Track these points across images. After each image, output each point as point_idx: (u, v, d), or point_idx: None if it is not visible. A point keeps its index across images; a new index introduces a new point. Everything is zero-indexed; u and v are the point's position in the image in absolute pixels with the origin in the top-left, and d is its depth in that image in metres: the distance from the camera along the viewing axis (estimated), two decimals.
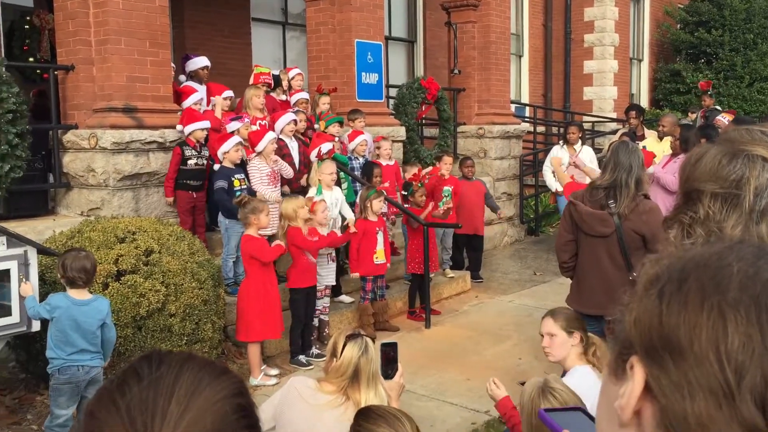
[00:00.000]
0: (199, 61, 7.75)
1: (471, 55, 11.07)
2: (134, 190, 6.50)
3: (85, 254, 4.23)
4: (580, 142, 9.27)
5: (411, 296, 7.37)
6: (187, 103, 6.88)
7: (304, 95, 8.08)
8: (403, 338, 6.56)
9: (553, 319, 3.53)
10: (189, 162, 6.49)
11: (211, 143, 6.69)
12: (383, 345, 2.89)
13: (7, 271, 4.32)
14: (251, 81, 7.65)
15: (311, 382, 3.00)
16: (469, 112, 11.15)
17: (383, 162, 7.96)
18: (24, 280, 4.34)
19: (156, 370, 0.85)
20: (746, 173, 1.33)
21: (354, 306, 6.95)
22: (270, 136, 6.58)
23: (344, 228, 6.60)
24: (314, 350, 6.11)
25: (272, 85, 7.86)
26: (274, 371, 5.72)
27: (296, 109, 7.68)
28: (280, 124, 7.08)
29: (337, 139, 7.47)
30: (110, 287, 4.90)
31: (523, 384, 3.62)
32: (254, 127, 6.82)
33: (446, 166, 8.29)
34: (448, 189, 8.15)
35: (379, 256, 6.64)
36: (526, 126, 12.76)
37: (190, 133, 6.54)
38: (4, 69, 5.89)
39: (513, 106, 12.44)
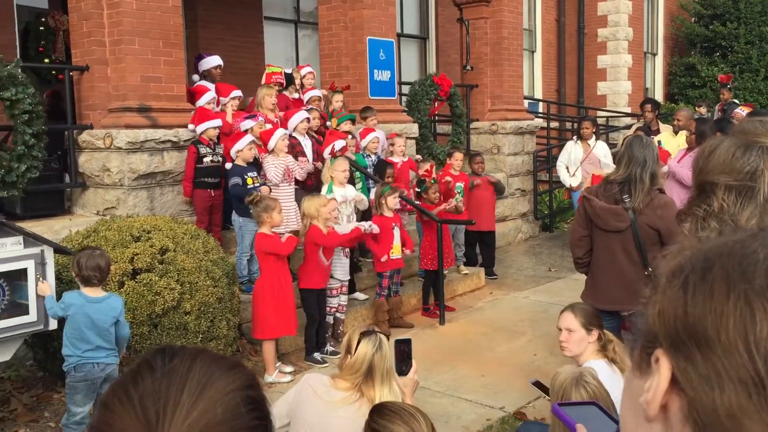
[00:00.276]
0: (212, 60, 7.78)
1: (483, 51, 11.04)
2: (149, 189, 6.54)
3: (100, 252, 4.26)
4: (594, 137, 9.22)
5: (425, 293, 7.37)
6: (201, 102, 6.91)
7: (317, 93, 8.09)
8: (418, 335, 6.56)
9: (573, 314, 3.52)
10: (205, 159, 6.52)
11: (224, 142, 6.72)
12: (397, 342, 2.89)
13: (24, 271, 4.36)
14: (263, 81, 7.67)
15: (326, 379, 3.01)
16: (481, 109, 11.12)
17: (396, 159, 7.96)
18: (41, 279, 4.38)
19: (169, 362, 0.86)
20: (760, 165, 1.32)
21: (368, 303, 6.96)
22: (280, 132, 6.59)
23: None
24: (329, 347, 6.13)
25: (284, 84, 7.88)
26: (289, 368, 5.74)
27: (310, 107, 7.69)
28: (293, 121, 7.10)
29: (350, 136, 7.48)
30: (126, 286, 4.94)
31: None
32: (267, 126, 6.84)
33: (457, 162, 8.28)
34: (459, 185, 8.14)
35: (396, 251, 6.65)
36: (540, 122, 12.71)
37: (202, 132, 6.57)
38: (19, 70, 5.94)
39: (526, 102, 12.39)
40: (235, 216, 6.45)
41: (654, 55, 18.25)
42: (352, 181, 7.05)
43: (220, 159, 6.63)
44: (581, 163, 9.10)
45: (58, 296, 4.39)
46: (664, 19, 18.14)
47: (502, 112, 11.03)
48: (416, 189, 7.80)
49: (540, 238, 11.23)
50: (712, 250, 0.68)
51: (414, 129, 9.29)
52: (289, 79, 8.11)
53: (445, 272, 7.40)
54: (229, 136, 6.73)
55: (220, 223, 6.82)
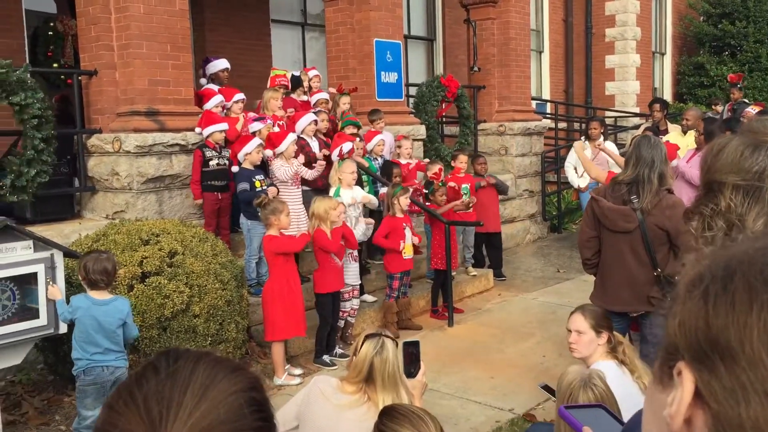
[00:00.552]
0: (219, 64, 7.80)
1: (490, 52, 11.02)
2: (157, 192, 6.57)
3: (106, 256, 4.28)
4: (602, 137, 9.19)
5: (434, 294, 7.36)
6: (208, 105, 6.93)
7: (324, 95, 8.11)
8: (426, 337, 6.56)
9: (583, 316, 3.50)
10: (211, 163, 6.54)
11: (231, 145, 6.73)
12: (406, 344, 2.88)
13: (34, 275, 4.38)
14: (268, 84, 7.70)
15: (334, 382, 3.01)
16: (489, 110, 11.10)
17: (403, 162, 7.96)
18: (51, 283, 4.40)
19: (173, 364, 0.87)
20: None
21: (377, 305, 6.96)
22: (292, 137, 6.62)
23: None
24: (338, 350, 6.13)
25: (289, 87, 7.90)
26: (298, 371, 5.74)
27: (318, 109, 7.71)
28: (301, 124, 7.12)
29: (358, 139, 7.49)
30: (135, 289, 4.96)
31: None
32: (275, 129, 6.86)
33: (462, 165, 8.29)
34: (466, 186, 8.14)
35: (407, 252, 6.66)
36: (548, 122, 12.67)
37: (208, 136, 6.59)
38: (28, 75, 5.97)
39: (534, 103, 12.36)
40: (243, 219, 6.47)
41: (662, 54, 18.17)
42: (359, 183, 7.06)
43: (227, 162, 6.64)
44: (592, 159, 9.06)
45: (68, 300, 4.41)
46: (673, 19, 18.07)
47: (509, 113, 11.01)
48: (424, 191, 7.80)
49: (548, 240, 11.20)
50: (732, 259, 0.66)
51: (421, 131, 9.28)
52: (297, 81, 8.12)
53: (454, 273, 7.39)
54: (236, 141, 6.75)
55: (229, 226, 6.84)
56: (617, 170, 6.03)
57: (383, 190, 7.21)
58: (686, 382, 0.64)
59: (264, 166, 6.71)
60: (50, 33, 9.17)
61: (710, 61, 16.76)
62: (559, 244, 10.79)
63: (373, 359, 2.88)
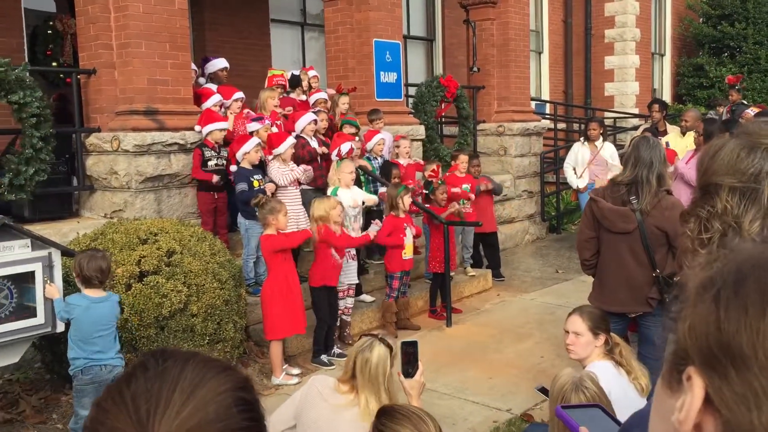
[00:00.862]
0: (218, 63, 7.80)
1: (490, 52, 11.03)
2: (156, 191, 6.56)
3: (101, 254, 4.29)
4: (601, 138, 9.19)
5: (432, 295, 7.36)
6: (207, 104, 6.93)
7: (323, 95, 8.11)
8: (425, 337, 6.56)
9: (581, 317, 3.50)
10: (209, 163, 6.54)
11: (229, 145, 6.73)
12: (404, 344, 2.89)
13: (32, 273, 4.38)
14: (266, 84, 7.70)
15: (331, 382, 3.01)
16: (488, 110, 11.10)
17: (402, 161, 7.96)
18: (48, 281, 4.40)
19: (162, 364, 0.87)
20: (765, 167, 1.31)
21: (375, 305, 6.96)
22: (291, 140, 6.63)
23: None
24: (336, 350, 6.13)
25: (287, 86, 7.90)
26: (296, 370, 5.74)
27: (317, 109, 7.71)
28: (301, 123, 7.12)
29: (357, 139, 7.49)
30: (133, 288, 4.95)
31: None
32: (273, 129, 6.86)
33: (462, 165, 8.28)
34: (466, 186, 8.13)
35: (408, 252, 6.66)
36: (547, 123, 12.68)
37: (208, 134, 6.59)
38: (27, 74, 5.97)
39: (533, 103, 12.36)
40: (241, 219, 6.47)
41: (662, 55, 18.18)
42: (357, 182, 7.06)
43: (225, 162, 6.64)
44: (588, 164, 9.08)
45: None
46: (672, 20, 18.07)
47: (508, 114, 11.02)
48: (423, 191, 7.80)
49: (547, 240, 11.20)
50: (744, 263, 0.65)
51: (420, 131, 9.28)
52: (296, 80, 8.12)
53: (452, 274, 7.39)
54: (233, 140, 6.75)
55: (227, 225, 6.84)
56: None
57: (382, 189, 7.22)
58: (696, 387, 0.63)
59: (262, 166, 6.71)
60: (49, 32, 9.16)
61: (709, 63, 16.77)
62: (557, 244, 10.80)
63: (356, 357, 2.90)
